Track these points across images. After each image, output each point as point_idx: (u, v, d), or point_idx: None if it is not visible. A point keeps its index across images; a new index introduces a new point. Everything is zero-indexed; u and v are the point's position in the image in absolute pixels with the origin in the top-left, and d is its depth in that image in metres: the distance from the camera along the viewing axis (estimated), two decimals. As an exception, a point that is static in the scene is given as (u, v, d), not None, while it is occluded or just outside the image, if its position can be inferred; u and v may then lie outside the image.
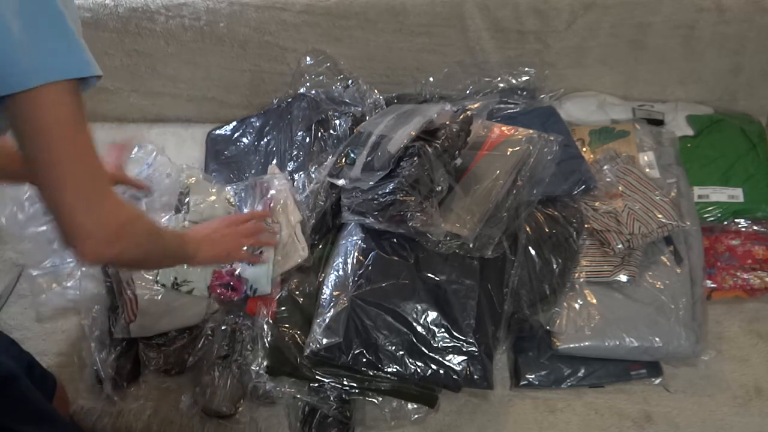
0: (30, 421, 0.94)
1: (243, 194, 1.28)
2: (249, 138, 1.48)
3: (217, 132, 1.54)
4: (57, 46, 0.61)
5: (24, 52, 0.59)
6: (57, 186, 0.64)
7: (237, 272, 1.16)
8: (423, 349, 1.03)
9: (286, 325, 1.11)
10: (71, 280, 1.27)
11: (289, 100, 1.48)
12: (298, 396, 1.08)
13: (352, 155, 1.16)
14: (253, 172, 1.40)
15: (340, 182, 1.16)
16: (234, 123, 1.54)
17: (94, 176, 0.67)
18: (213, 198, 1.28)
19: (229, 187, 1.31)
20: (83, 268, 1.25)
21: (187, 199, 1.27)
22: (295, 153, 1.36)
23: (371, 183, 1.09)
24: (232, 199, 1.29)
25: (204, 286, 1.16)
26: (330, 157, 1.25)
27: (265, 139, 1.45)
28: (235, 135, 1.51)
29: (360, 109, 1.39)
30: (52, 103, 0.61)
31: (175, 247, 0.91)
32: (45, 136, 0.62)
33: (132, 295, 1.13)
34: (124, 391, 1.14)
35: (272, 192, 1.25)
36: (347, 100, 1.42)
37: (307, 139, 1.36)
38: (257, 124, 1.50)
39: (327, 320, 1.05)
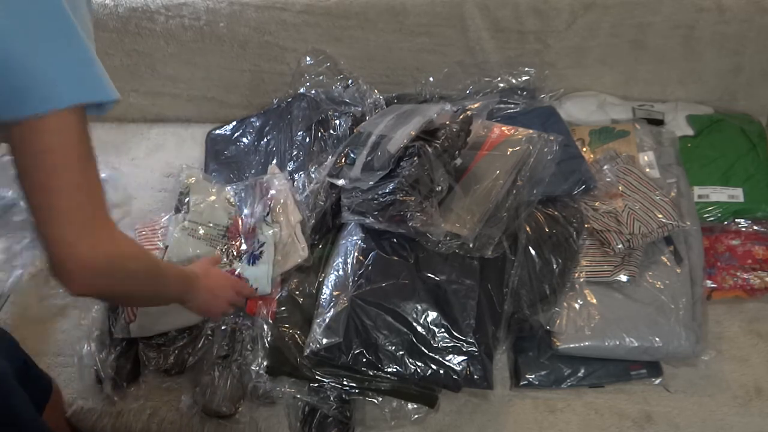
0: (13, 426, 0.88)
1: (243, 194, 1.28)
2: (249, 138, 1.48)
3: (217, 132, 1.54)
4: (68, 67, 0.58)
5: (33, 75, 0.55)
6: (52, 211, 0.61)
7: (237, 272, 1.16)
8: (423, 349, 1.03)
9: (286, 325, 1.11)
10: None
11: (289, 100, 1.48)
12: (298, 396, 1.07)
13: (352, 155, 1.16)
14: (253, 172, 1.40)
15: (340, 182, 1.16)
16: (234, 123, 1.54)
17: (94, 204, 0.64)
18: (213, 198, 1.28)
19: (229, 187, 1.31)
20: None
21: (187, 199, 1.27)
22: (295, 153, 1.36)
23: (371, 183, 1.09)
24: (232, 199, 1.29)
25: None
26: (330, 157, 1.25)
27: (265, 139, 1.45)
28: (235, 135, 1.51)
29: (360, 109, 1.39)
30: (59, 128, 0.58)
31: (178, 287, 0.90)
32: (47, 160, 0.59)
33: (132, 295, 1.13)
34: (124, 391, 1.13)
35: (272, 192, 1.24)
36: (347, 100, 1.42)
37: (307, 139, 1.36)
38: (257, 124, 1.50)
39: (327, 320, 1.05)
